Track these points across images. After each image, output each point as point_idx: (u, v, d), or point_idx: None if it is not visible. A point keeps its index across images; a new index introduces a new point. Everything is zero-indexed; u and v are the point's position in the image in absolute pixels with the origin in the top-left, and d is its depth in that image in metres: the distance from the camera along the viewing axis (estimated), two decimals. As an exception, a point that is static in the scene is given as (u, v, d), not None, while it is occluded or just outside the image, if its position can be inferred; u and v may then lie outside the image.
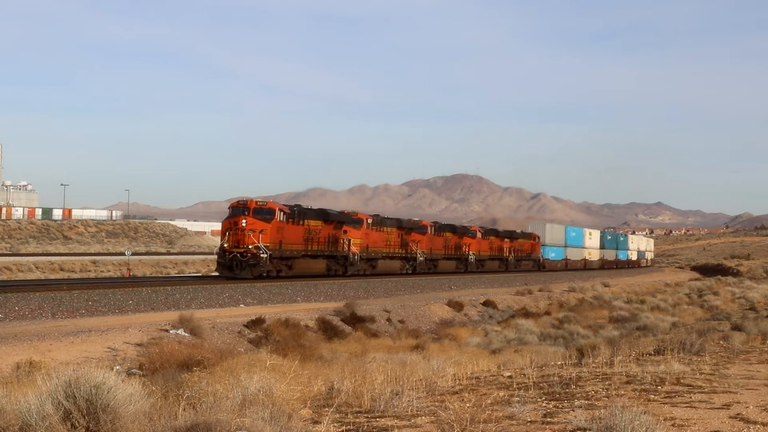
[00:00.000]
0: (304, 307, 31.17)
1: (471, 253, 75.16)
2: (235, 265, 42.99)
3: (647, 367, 13.38)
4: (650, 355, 16.17)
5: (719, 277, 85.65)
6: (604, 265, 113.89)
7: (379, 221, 59.47)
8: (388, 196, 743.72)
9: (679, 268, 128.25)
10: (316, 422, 9.15)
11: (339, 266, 52.68)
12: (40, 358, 16.41)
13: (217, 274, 46.31)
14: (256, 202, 45.01)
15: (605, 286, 60.74)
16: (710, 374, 12.96)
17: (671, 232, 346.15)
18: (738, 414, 9.66)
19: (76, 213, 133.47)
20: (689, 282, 75.30)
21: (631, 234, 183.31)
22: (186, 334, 21.18)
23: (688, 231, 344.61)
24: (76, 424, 7.97)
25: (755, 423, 9.19)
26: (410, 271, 63.33)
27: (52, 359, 16.63)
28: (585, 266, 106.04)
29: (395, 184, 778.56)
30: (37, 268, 60.64)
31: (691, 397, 10.78)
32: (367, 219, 56.58)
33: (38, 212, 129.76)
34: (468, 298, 40.95)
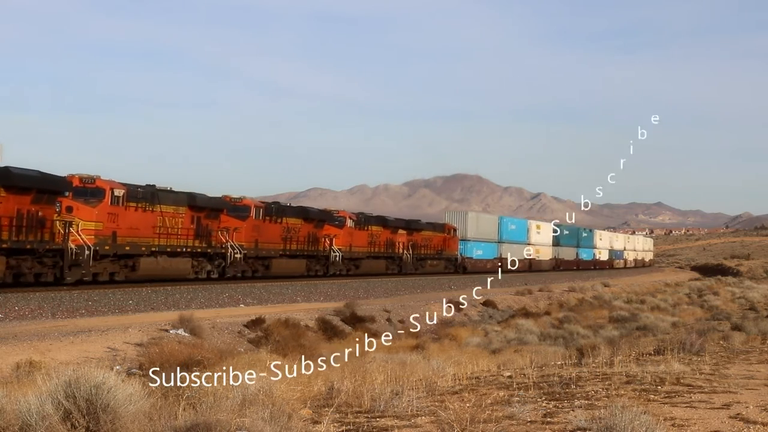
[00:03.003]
0: (304, 307, 31.19)
1: (336, 248, 53.65)
2: None
3: (647, 367, 13.38)
4: (650, 355, 16.17)
5: (719, 277, 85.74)
6: (559, 266, 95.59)
7: (148, 195, 37.15)
8: (388, 196, 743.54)
9: (679, 268, 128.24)
10: (316, 422, 9.14)
11: (45, 268, 31.66)
12: (40, 358, 16.40)
13: None
14: None
15: (605, 286, 60.79)
16: (710, 374, 12.96)
17: (671, 232, 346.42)
18: (738, 414, 9.66)
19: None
20: (689, 282, 75.32)
21: (631, 234, 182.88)
22: (186, 334, 21.18)
23: (688, 231, 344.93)
24: (76, 424, 7.97)
25: (755, 423, 9.19)
26: (215, 276, 42.17)
27: (52, 359, 16.63)
28: (530, 267, 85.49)
29: (395, 184, 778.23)
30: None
31: (691, 397, 10.78)
32: (113, 189, 35.01)
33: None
34: (468, 298, 40.96)
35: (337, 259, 53.95)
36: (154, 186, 38.17)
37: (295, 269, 48.91)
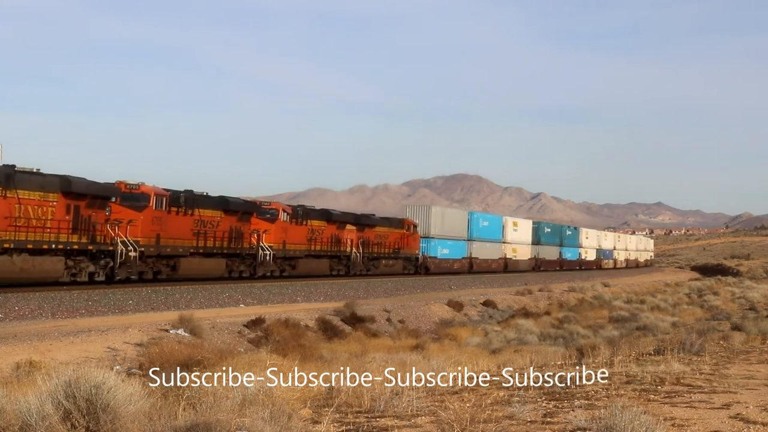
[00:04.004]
0: (304, 307, 31.22)
1: (266, 245, 45.62)
2: None
3: (647, 367, 13.39)
4: (650, 355, 16.19)
5: (719, 277, 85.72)
6: (539, 266, 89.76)
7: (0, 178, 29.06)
8: (388, 196, 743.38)
9: (679, 268, 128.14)
10: (316, 422, 9.15)
11: None
12: (40, 358, 16.41)
13: None
14: None
15: (605, 286, 60.85)
16: (710, 374, 12.97)
17: (671, 232, 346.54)
18: (738, 414, 9.67)
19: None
20: (689, 282, 75.32)
21: (631, 234, 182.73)
22: (186, 334, 21.19)
23: (688, 231, 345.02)
24: (76, 424, 7.98)
25: (755, 423, 9.20)
26: (101, 279, 34.02)
27: (52, 359, 16.63)
28: (506, 267, 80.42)
29: (395, 184, 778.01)
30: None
31: (691, 397, 10.79)
32: None
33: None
34: (468, 298, 41.02)
35: (268, 258, 45.75)
36: (12, 166, 29.64)
37: (211, 270, 41.18)
